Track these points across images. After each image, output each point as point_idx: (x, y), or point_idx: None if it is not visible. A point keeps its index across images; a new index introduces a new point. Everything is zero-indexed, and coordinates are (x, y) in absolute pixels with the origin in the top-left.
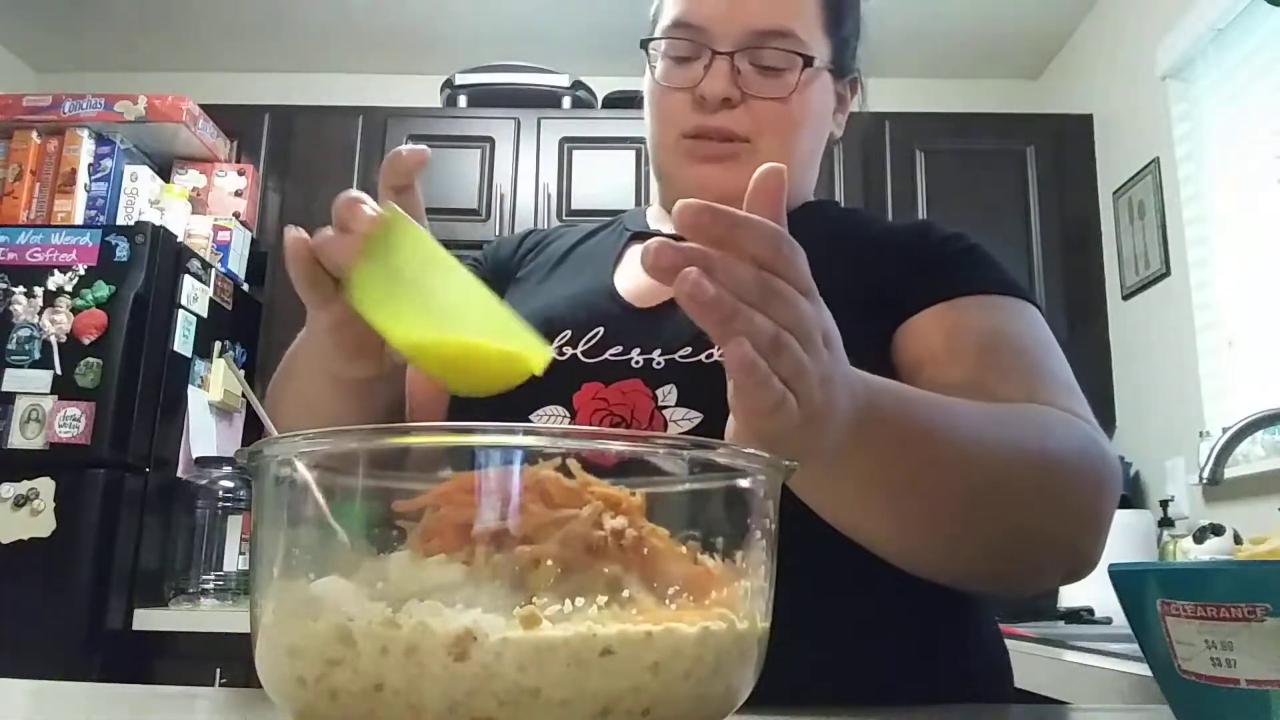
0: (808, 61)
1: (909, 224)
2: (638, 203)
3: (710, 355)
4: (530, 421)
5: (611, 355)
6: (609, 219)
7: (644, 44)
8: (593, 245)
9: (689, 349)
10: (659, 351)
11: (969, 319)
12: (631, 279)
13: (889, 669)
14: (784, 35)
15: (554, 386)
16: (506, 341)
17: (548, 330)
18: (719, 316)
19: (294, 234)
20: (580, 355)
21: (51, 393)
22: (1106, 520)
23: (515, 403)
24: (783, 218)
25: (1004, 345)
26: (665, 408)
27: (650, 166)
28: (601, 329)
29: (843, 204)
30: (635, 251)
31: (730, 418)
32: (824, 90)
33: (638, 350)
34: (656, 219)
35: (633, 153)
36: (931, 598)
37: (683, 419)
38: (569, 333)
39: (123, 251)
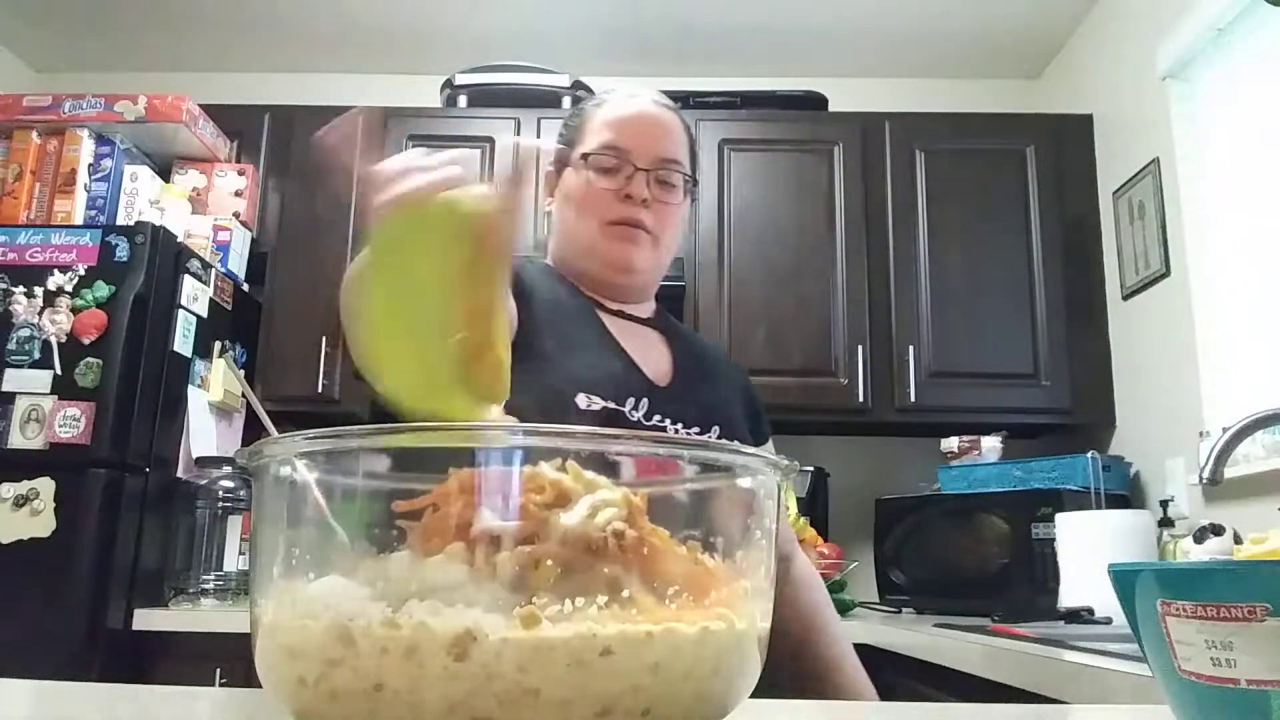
0: (693, 181)
1: (735, 364)
2: None
3: (703, 433)
4: None
5: (656, 420)
6: (534, 259)
7: (584, 156)
8: (566, 304)
9: (697, 429)
10: (681, 425)
11: None
12: (642, 358)
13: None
14: (677, 162)
15: None
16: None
17: (615, 391)
18: None
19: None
20: (641, 418)
21: (51, 393)
22: None
23: None
24: None
25: None
26: None
27: (560, 236)
28: (647, 400)
29: (842, 204)
30: (627, 327)
31: None
32: (687, 205)
33: (668, 420)
34: (559, 271)
35: None
36: None
37: None
38: (633, 399)
39: (123, 251)
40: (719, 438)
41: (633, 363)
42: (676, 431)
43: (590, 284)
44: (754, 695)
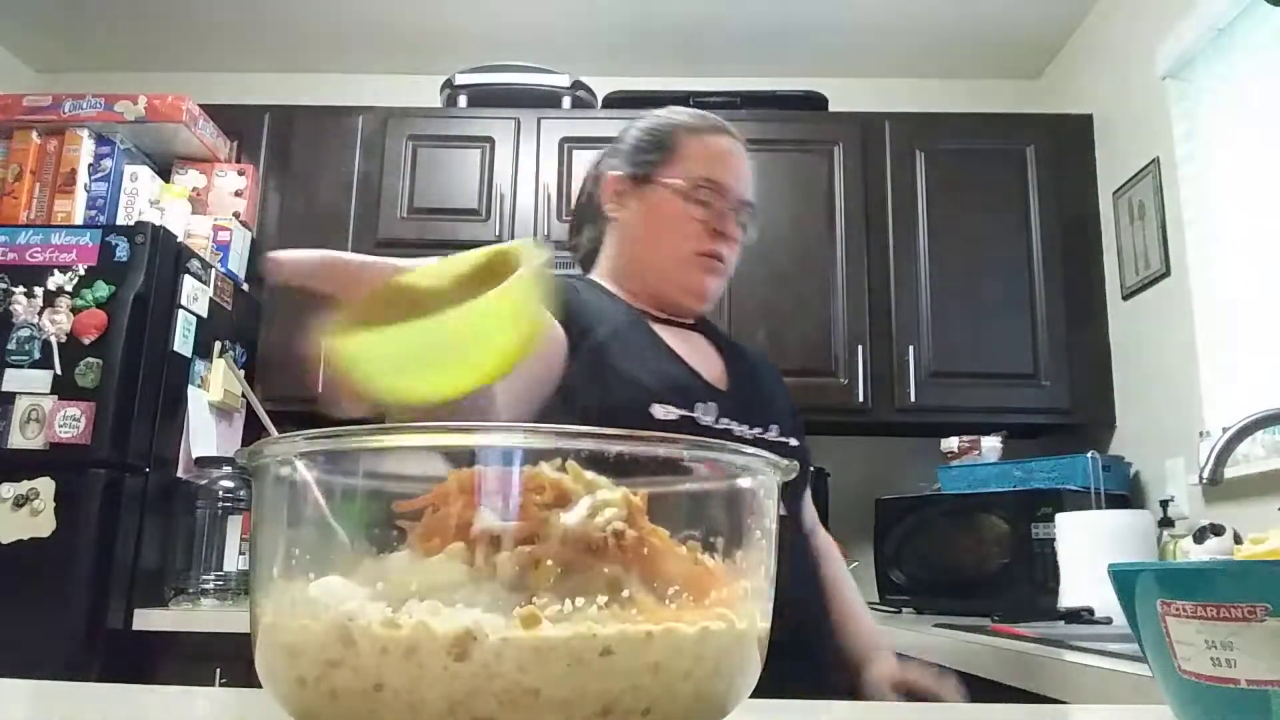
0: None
1: (770, 362)
2: None
3: (764, 432)
4: None
5: (724, 424)
6: (573, 276)
7: (685, 186)
8: (621, 319)
9: (760, 429)
10: (746, 426)
11: None
12: (698, 364)
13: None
14: (753, 206)
15: None
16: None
17: (685, 398)
18: None
19: None
20: (711, 423)
21: (51, 393)
22: None
23: None
24: None
25: None
26: None
27: (630, 251)
28: (715, 404)
29: (842, 204)
30: (678, 334)
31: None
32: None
33: (734, 423)
34: (613, 288)
35: None
36: None
37: None
38: (701, 405)
39: (123, 251)
40: (778, 436)
41: (692, 369)
42: (742, 433)
43: (654, 301)
44: (773, 656)
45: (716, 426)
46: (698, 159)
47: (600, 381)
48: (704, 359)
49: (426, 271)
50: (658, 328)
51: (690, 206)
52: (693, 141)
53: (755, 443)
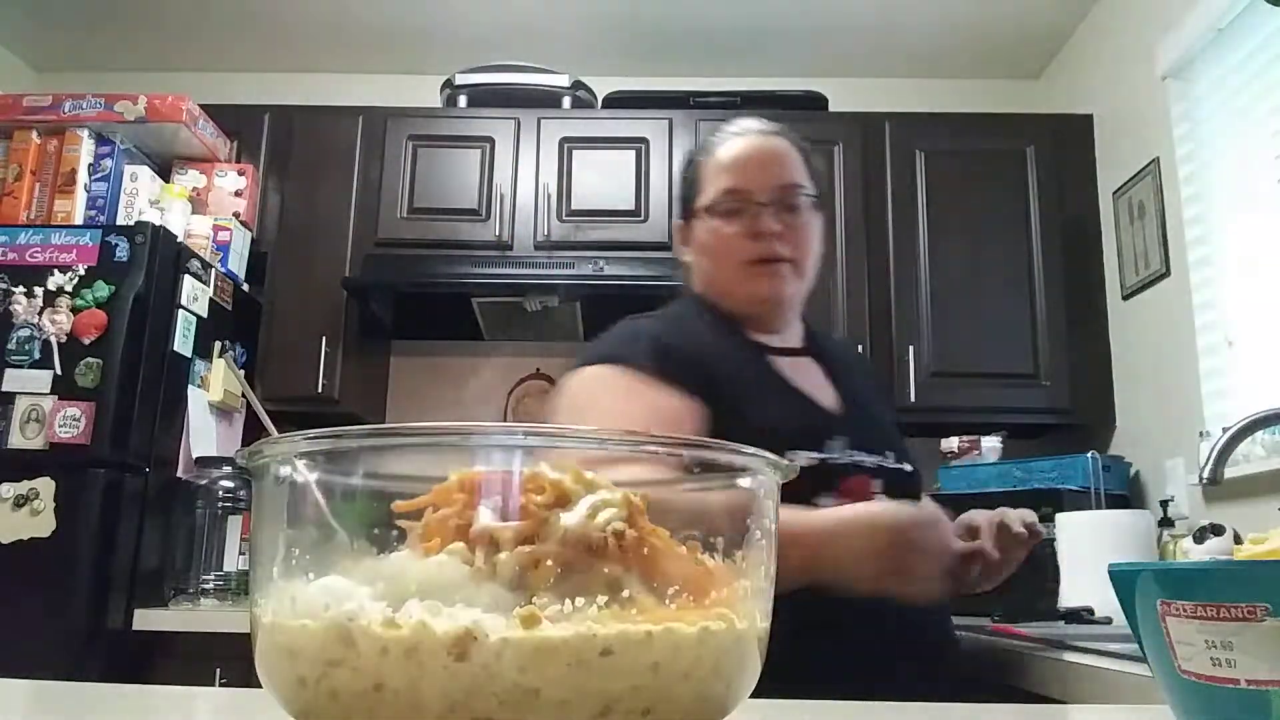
0: (814, 200)
1: (856, 352)
2: (636, 204)
3: (883, 460)
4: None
5: (851, 456)
6: (678, 310)
7: (708, 209)
8: (737, 357)
9: (879, 457)
10: (868, 455)
11: None
12: (817, 393)
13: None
14: (797, 186)
15: (828, 481)
16: None
17: (815, 439)
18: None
19: None
20: (849, 461)
21: (51, 393)
22: None
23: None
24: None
25: None
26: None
27: (703, 283)
28: (842, 437)
29: (842, 204)
30: (794, 365)
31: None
32: (819, 219)
33: (862, 454)
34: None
35: (632, 153)
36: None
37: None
38: (830, 441)
39: (123, 251)
40: (895, 463)
41: (814, 402)
42: (869, 463)
43: (745, 323)
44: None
45: (847, 462)
46: (716, 174)
47: (735, 433)
48: (819, 387)
49: None
50: (774, 360)
51: (721, 223)
52: (708, 163)
53: (878, 470)
